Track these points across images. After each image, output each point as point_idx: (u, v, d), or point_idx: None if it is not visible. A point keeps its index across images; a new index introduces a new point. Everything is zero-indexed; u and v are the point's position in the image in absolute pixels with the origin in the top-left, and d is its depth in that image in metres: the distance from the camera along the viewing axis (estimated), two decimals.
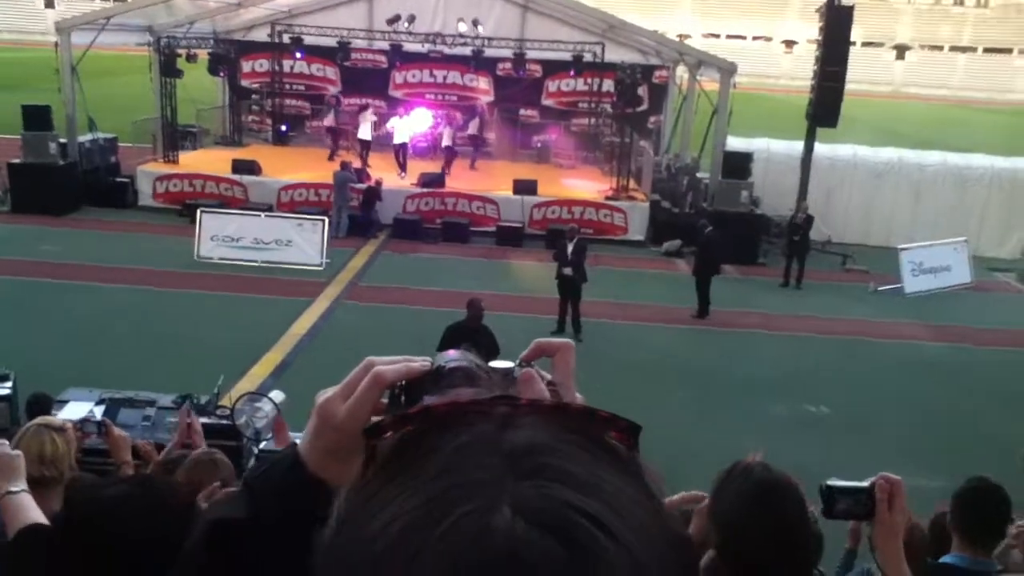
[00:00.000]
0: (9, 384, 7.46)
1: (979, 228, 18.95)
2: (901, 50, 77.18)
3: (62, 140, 18.58)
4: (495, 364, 0.74)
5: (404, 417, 0.60)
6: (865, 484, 2.06)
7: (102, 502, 2.21)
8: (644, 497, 0.56)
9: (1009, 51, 76.80)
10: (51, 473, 3.22)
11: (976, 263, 17.39)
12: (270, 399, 6.85)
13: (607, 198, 19.31)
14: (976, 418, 10.54)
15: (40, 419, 3.73)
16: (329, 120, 22.52)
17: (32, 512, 2.36)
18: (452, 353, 0.76)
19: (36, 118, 18.12)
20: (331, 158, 21.02)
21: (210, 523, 0.87)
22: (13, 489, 2.34)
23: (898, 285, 16.12)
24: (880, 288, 16.34)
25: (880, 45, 75.19)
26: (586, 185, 20.70)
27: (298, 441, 0.84)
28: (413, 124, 22.03)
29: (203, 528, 0.87)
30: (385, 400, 0.76)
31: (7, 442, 2.37)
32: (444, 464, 0.54)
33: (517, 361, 0.76)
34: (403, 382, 0.75)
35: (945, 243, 16.93)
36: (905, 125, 37.22)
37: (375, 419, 0.66)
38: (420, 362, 0.76)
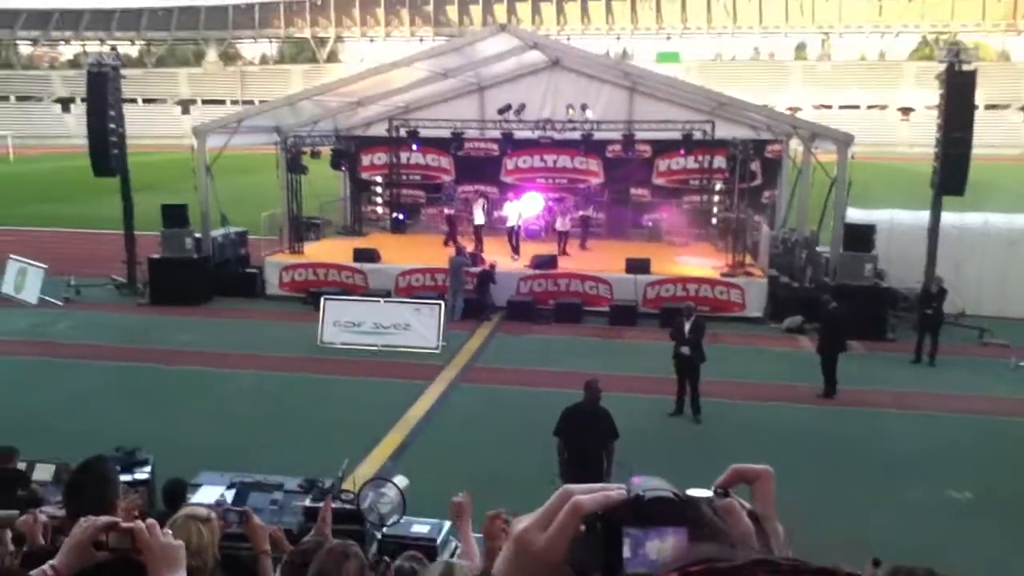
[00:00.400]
0: (148, 469, 7.82)
1: None
2: None
3: (197, 235, 19.82)
4: (693, 492, 0.73)
5: None
6: None
7: None
8: None
9: None
10: (197, 563, 3.31)
11: None
12: (394, 484, 6.93)
13: (723, 274, 19.00)
14: None
15: (187, 510, 3.86)
16: (448, 207, 23.23)
17: None
18: (644, 480, 0.75)
19: (174, 216, 19.43)
20: (446, 243, 21.58)
21: None
22: None
23: None
24: (1022, 363, 15.29)
25: (1006, 107, 72.27)
26: (700, 262, 20.46)
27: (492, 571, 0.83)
28: (525, 208, 22.43)
29: None
30: (582, 528, 0.75)
31: (170, 532, 2.46)
32: None
33: (714, 488, 0.75)
34: (600, 512, 0.74)
35: None
36: None
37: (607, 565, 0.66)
38: (616, 490, 0.75)
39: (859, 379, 14.07)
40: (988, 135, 49.88)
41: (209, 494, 7.17)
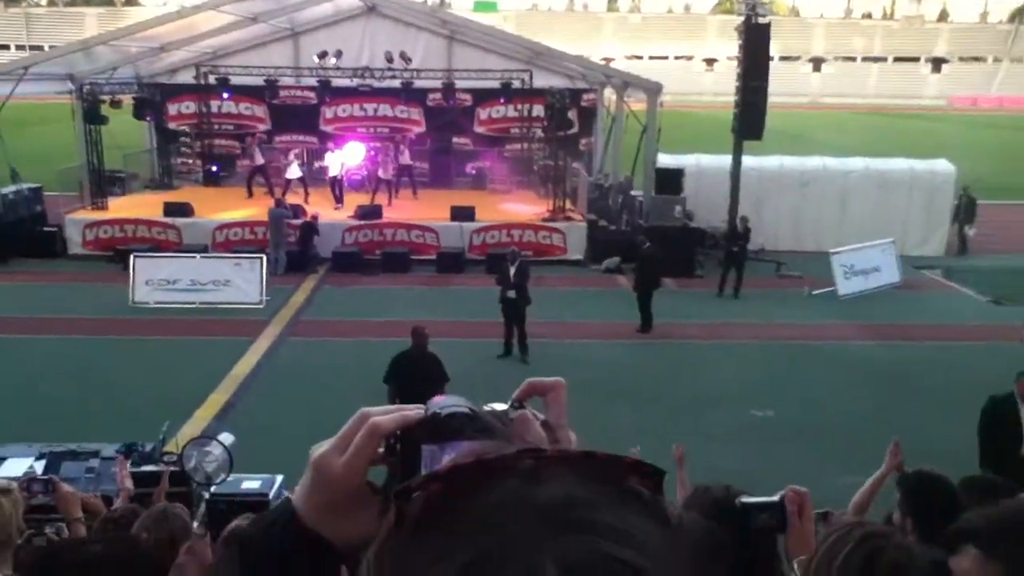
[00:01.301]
0: None
1: (904, 229, 19.59)
2: (817, 62, 79.94)
3: None
4: (489, 407, 0.74)
5: (433, 476, 0.60)
6: (776, 498, 2.16)
7: (83, 565, 2.14)
8: (675, 541, 0.56)
9: (916, 59, 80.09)
10: (1, 538, 3.13)
11: (903, 262, 18.02)
12: (219, 441, 6.75)
13: (544, 220, 19.51)
14: (911, 412, 10.86)
15: None
16: (257, 159, 22.27)
17: None
18: (443, 399, 0.75)
19: None
20: (269, 195, 20.76)
21: None
22: None
23: (831, 288, 16.60)
24: (815, 292, 16.80)
25: (797, 59, 77.78)
26: (523, 208, 20.89)
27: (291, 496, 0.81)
28: (346, 157, 21.98)
29: None
30: (381, 450, 0.74)
31: None
32: (479, 523, 0.54)
33: (509, 402, 0.76)
34: (399, 431, 0.73)
35: (873, 245, 17.48)
36: (826, 134, 38.45)
37: (403, 481, 0.64)
38: (415, 410, 0.74)
39: (671, 314, 14.95)
40: (782, 85, 53.44)
41: (16, 467, 6.72)
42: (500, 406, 0.75)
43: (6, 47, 71.94)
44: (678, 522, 0.58)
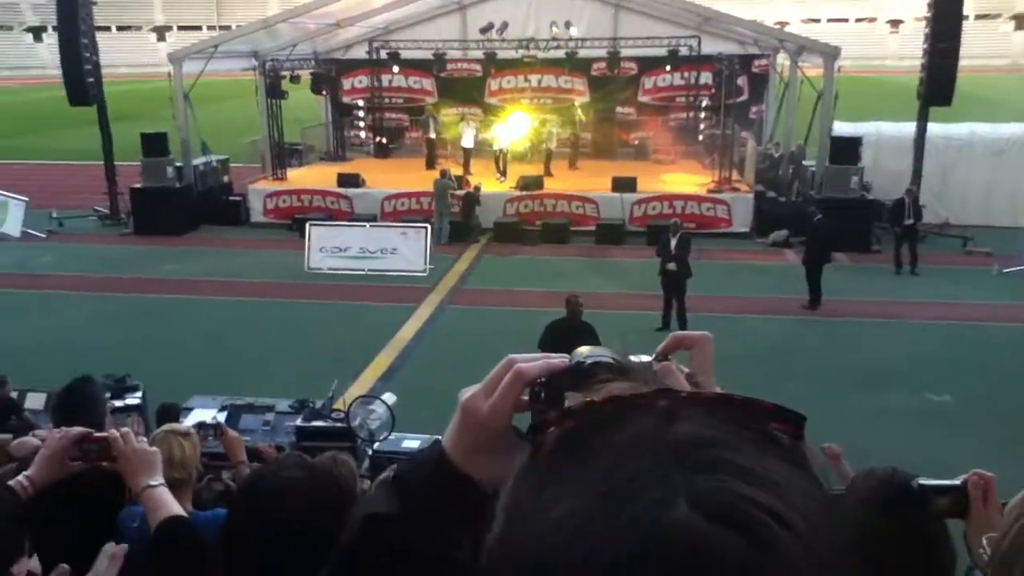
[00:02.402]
0: (139, 394, 7.91)
1: None
2: (1020, 20, 72.76)
3: (178, 164, 19.58)
4: (633, 358, 0.74)
5: (568, 412, 0.61)
6: (958, 482, 2.03)
7: (282, 484, 2.30)
8: (813, 487, 0.55)
9: None
10: (180, 475, 3.38)
11: None
12: (383, 401, 7.04)
13: (709, 191, 18.97)
14: None
15: (167, 426, 3.92)
16: (430, 132, 22.96)
17: (172, 505, 2.48)
18: (589, 349, 0.76)
19: (154, 145, 19.17)
20: (431, 167, 21.37)
21: (364, 518, 0.89)
22: (153, 483, 2.46)
23: None
24: (1006, 270, 15.46)
25: (997, 17, 71.27)
26: (687, 179, 20.39)
27: (441, 438, 0.86)
28: (511, 129, 22.20)
29: (357, 523, 0.89)
30: (526, 397, 0.77)
31: (145, 438, 2.51)
32: (613, 458, 0.55)
33: (654, 355, 0.76)
34: (543, 378, 0.76)
35: None
36: None
37: (540, 416, 0.66)
38: (559, 358, 0.76)
39: (843, 290, 14.21)
40: (977, 47, 49.25)
41: (201, 416, 7.27)
42: (645, 358, 0.75)
43: (198, 27, 77.32)
44: (822, 473, 0.57)
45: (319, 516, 2.11)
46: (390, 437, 6.67)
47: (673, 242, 12.86)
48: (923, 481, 2.09)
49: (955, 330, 12.88)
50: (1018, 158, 18.61)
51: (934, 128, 18.15)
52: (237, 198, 20.47)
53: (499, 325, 12.96)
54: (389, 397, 7.26)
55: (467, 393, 0.81)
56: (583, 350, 0.76)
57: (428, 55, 23.32)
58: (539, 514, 0.55)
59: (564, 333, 9.16)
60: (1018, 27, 72.12)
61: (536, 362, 0.77)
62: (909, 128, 18.29)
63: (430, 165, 21.72)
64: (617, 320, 12.28)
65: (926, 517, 2.08)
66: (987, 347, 12.14)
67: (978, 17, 62.34)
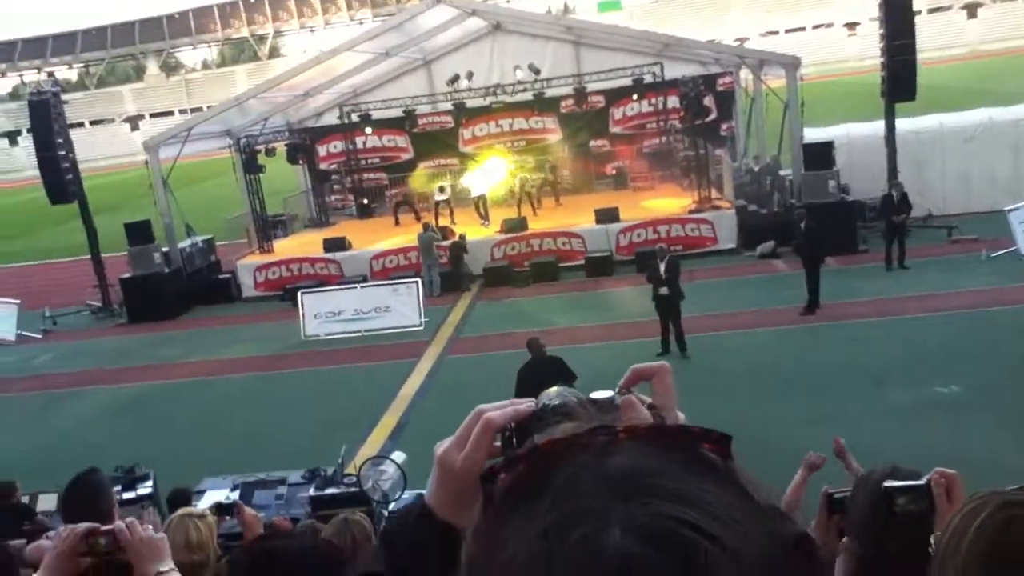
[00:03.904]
0: (150, 483, 7.86)
1: None
2: (972, 8, 74.15)
3: (164, 249, 19.66)
4: (595, 395, 0.77)
5: (514, 459, 0.64)
6: (922, 481, 2.07)
7: (293, 552, 2.34)
8: (745, 503, 0.58)
9: None
10: (199, 558, 3.38)
11: None
12: (393, 460, 7.02)
13: (691, 212, 19.13)
14: None
15: (181, 510, 3.92)
16: (401, 189, 23.18)
17: None
18: (556, 391, 0.79)
19: (138, 233, 19.27)
20: (417, 221, 21.46)
21: None
22: (163, 569, 2.47)
23: (1012, 248, 15.33)
24: (993, 254, 15.57)
25: (948, 8, 72.51)
26: (668, 203, 20.57)
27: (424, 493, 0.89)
28: (488, 174, 22.40)
29: None
30: (498, 443, 0.81)
31: (150, 526, 2.52)
32: (554, 496, 0.58)
33: (616, 389, 0.79)
34: (512, 424, 0.79)
35: None
36: (991, 83, 35.66)
37: (489, 463, 0.72)
38: (526, 404, 0.80)
39: (837, 293, 14.29)
40: (933, 39, 50.06)
41: (213, 498, 7.23)
42: (607, 393, 0.77)
43: (170, 113, 78.14)
44: (755, 488, 0.60)
45: None
46: (403, 496, 6.64)
47: (662, 267, 12.94)
48: (888, 483, 2.11)
49: (953, 319, 12.92)
50: (989, 143, 18.83)
51: (903, 123, 18.38)
52: (226, 275, 20.56)
53: (500, 369, 12.88)
54: (399, 456, 7.24)
55: (442, 447, 0.84)
56: (551, 392, 0.79)
57: (399, 112, 23.62)
58: (490, 559, 0.58)
59: (534, 373, 9.26)
60: (970, 16, 73.42)
61: (503, 410, 0.80)
62: (878, 127, 18.53)
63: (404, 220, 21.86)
64: (618, 349, 12.33)
65: (897, 520, 2.11)
66: (988, 332, 12.16)
67: (930, 11, 63.45)
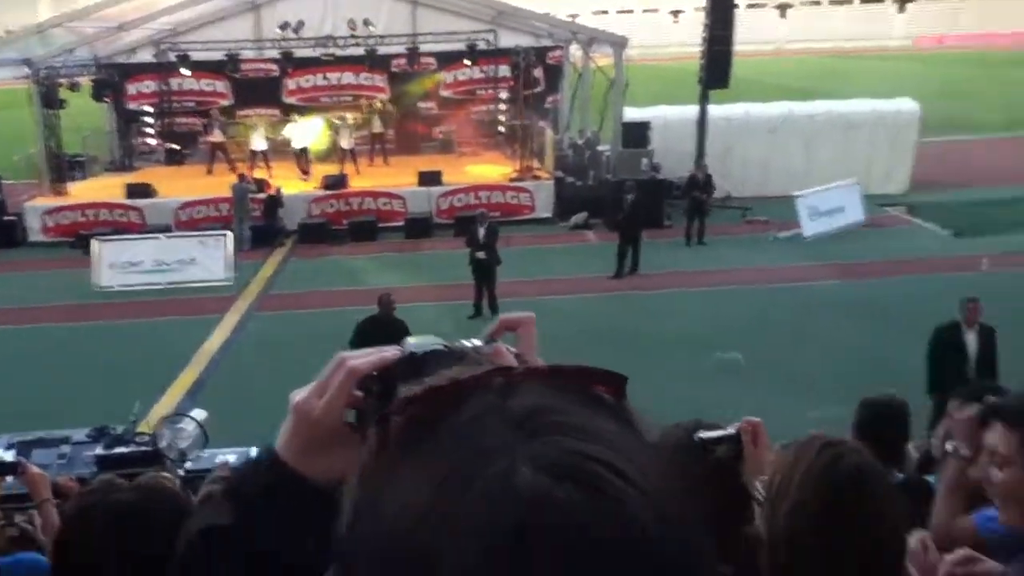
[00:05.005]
0: None
1: (868, 168, 19.57)
2: (783, 8, 79.50)
3: None
4: (465, 343, 0.76)
5: (411, 400, 0.62)
6: (732, 430, 2.24)
7: (115, 508, 2.17)
8: (639, 440, 0.59)
9: (882, 0, 79.72)
10: None
11: (868, 201, 18.13)
12: (192, 418, 6.76)
13: (512, 180, 19.45)
14: (877, 345, 11.04)
15: None
16: (215, 135, 21.98)
17: None
18: (418, 339, 0.77)
19: None
20: (231, 171, 20.55)
21: (198, 532, 0.86)
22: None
23: (797, 231, 16.69)
24: (781, 235, 16.89)
25: (763, 6, 77.27)
26: (491, 170, 20.81)
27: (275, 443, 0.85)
28: (311, 128, 21.74)
29: (191, 537, 0.87)
30: (359, 392, 0.78)
31: None
32: (456, 437, 0.56)
33: (484, 338, 0.79)
34: (375, 372, 0.76)
35: (837, 186, 17.59)
36: (793, 79, 38.42)
37: (378, 407, 0.69)
38: (391, 352, 0.77)
39: (643, 265, 15.04)
40: (749, 33, 53.04)
41: None
42: (475, 342, 0.77)
43: None
44: (645, 426, 0.62)
45: (159, 535, 2.02)
46: (203, 454, 6.43)
47: (481, 231, 13.17)
48: (701, 434, 2.26)
49: (742, 293, 13.95)
50: (786, 134, 20.33)
51: (714, 110, 19.45)
52: (11, 218, 18.80)
53: (311, 328, 12.70)
54: (199, 413, 6.99)
55: (299, 395, 0.82)
56: (413, 340, 0.77)
57: (221, 56, 22.40)
58: (386, 503, 0.55)
59: (376, 330, 9.15)
60: (781, 15, 78.67)
61: (368, 357, 0.78)
62: (692, 111, 19.53)
63: (219, 170, 20.88)
64: (432, 312, 12.42)
65: (713, 467, 2.27)
66: (770, 306, 13.22)
67: (749, 6, 67.38)
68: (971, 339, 8.28)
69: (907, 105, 20.85)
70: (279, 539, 0.81)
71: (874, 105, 21.01)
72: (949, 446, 2.69)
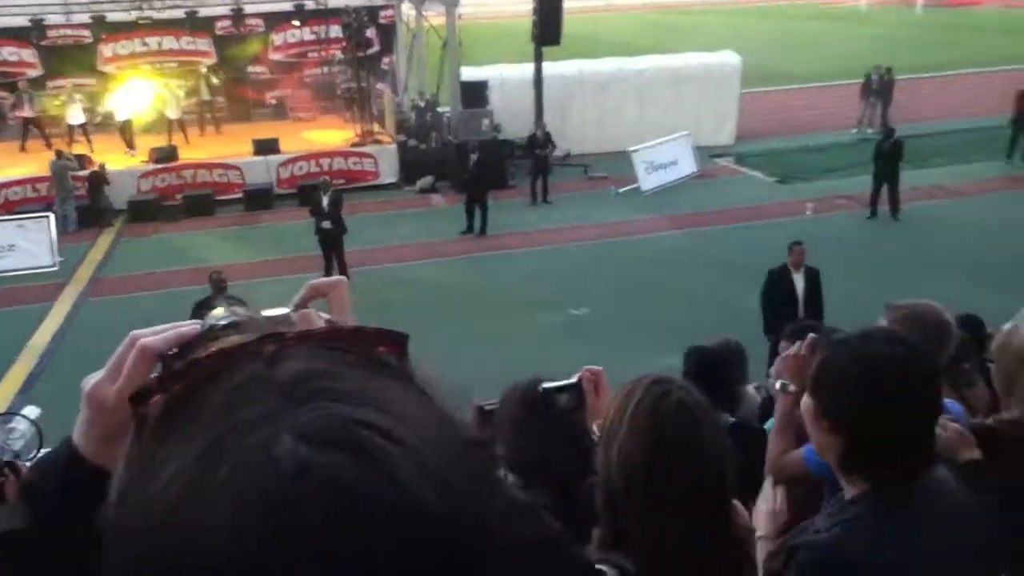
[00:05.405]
0: None
1: (697, 121, 20.46)
2: None
3: None
4: (269, 312, 0.72)
5: (171, 375, 0.58)
6: (574, 380, 2.33)
7: None
8: (421, 400, 0.56)
9: None
10: None
11: (700, 153, 19.01)
12: (24, 416, 6.34)
13: (353, 145, 19.09)
14: (715, 290, 11.72)
15: None
16: (26, 110, 20.29)
17: None
18: (223, 311, 0.72)
19: None
20: (48, 147, 19.07)
21: None
22: None
23: (635, 185, 17.33)
24: (620, 190, 17.48)
25: None
26: (330, 136, 20.33)
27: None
28: (134, 98, 20.43)
29: None
30: (158, 373, 0.71)
31: None
32: (217, 410, 0.52)
33: (292, 305, 0.75)
34: (174, 349, 0.71)
35: (670, 139, 18.32)
36: (623, 36, 39.42)
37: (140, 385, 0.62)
38: (189, 326, 0.72)
39: (491, 226, 15.22)
40: None
41: None
42: (282, 310, 0.73)
43: None
44: (431, 387, 0.59)
45: None
46: (39, 455, 6.07)
47: (325, 200, 12.91)
48: (545, 385, 2.36)
49: (587, 249, 14.39)
50: (620, 90, 20.90)
51: (549, 68, 19.69)
52: None
53: (148, 311, 12.08)
54: (31, 411, 6.54)
55: (91, 381, 0.76)
56: (217, 312, 0.72)
57: (25, 22, 20.61)
58: (146, 483, 0.51)
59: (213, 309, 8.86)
60: None
61: (163, 334, 0.72)
62: (529, 69, 19.72)
63: (34, 146, 19.35)
64: (279, 286, 12.05)
65: (556, 416, 2.37)
66: (614, 261, 13.74)
67: None
68: (799, 281, 8.97)
69: (730, 58, 21.86)
70: (79, 541, 0.73)
71: (700, 59, 21.90)
72: (778, 384, 2.90)
